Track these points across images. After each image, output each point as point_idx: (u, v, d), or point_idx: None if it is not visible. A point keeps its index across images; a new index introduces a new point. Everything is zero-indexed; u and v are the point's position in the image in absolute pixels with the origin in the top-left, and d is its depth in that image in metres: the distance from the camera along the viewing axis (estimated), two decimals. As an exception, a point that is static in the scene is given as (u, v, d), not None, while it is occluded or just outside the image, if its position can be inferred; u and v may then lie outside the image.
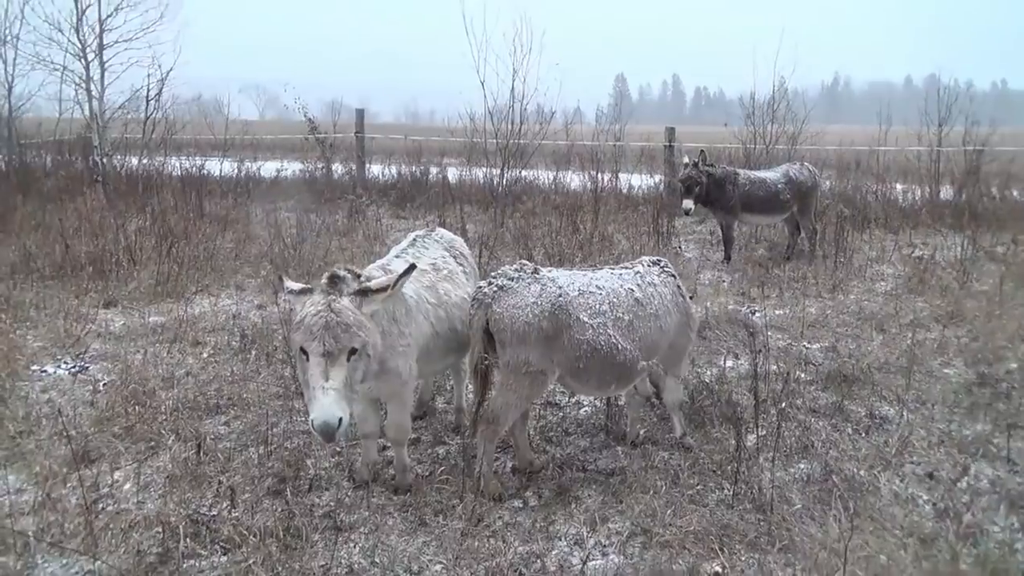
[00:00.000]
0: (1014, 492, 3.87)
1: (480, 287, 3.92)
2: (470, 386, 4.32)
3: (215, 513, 3.62)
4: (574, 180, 13.85)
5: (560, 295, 3.85)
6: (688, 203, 9.03)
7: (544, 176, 14.28)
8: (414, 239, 4.43)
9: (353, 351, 3.27)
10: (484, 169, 13.42)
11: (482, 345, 3.87)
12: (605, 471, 4.17)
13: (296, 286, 3.43)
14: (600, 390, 4.44)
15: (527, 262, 4.01)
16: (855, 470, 4.05)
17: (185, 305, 7.25)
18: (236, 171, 15.13)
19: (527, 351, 3.77)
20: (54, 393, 5.23)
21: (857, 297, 7.85)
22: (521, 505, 3.82)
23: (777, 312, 7.41)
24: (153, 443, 4.40)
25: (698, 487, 3.98)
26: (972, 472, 4.08)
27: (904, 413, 4.78)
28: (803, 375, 5.58)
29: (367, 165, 14.97)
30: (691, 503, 3.75)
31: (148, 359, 5.86)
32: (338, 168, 15.19)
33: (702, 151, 9.29)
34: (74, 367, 5.84)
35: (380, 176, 14.92)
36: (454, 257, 4.40)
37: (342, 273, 3.45)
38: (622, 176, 14.07)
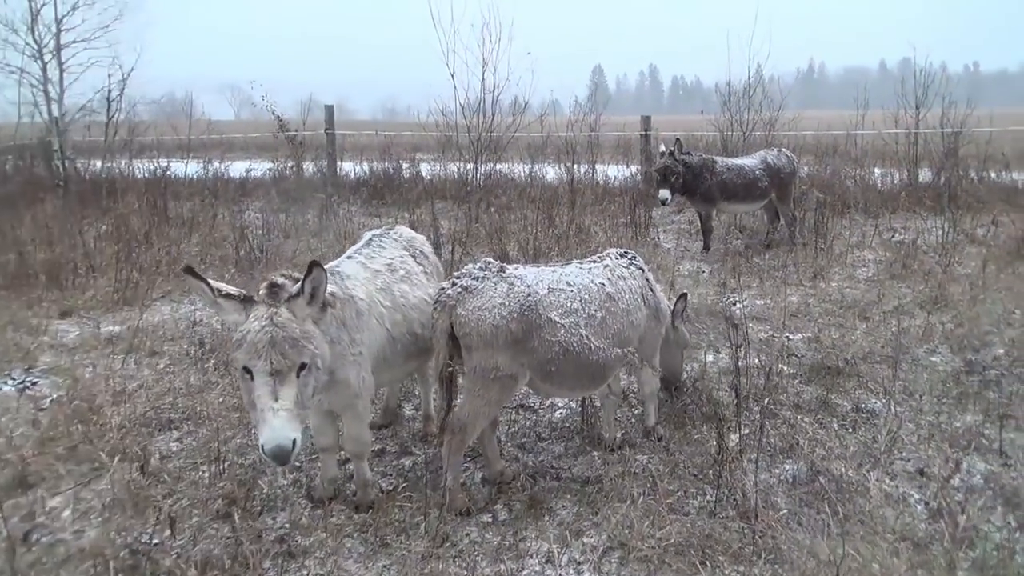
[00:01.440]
0: (1009, 488, 3.68)
1: (443, 288, 3.67)
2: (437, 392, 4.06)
3: (156, 542, 3.34)
4: (550, 172, 13.59)
5: (529, 294, 3.61)
6: (664, 193, 8.81)
7: (520, 169, 14.03)
8: (370, 238, 4.16)
9: (303, 366, 3.00)
10: (458, 164, 13.14)
11: (446, 350, 3.62)
12: (580, 479, 3.93)
13: (229, 290, 3.08)
14: (573, 391, 4.21)
15: (492, 260, 3.76)
16: (843, 469, 3.84)
17: (143, 313, 6.92)
18: (203, 172, 14.75)
19: (495, 355, 3.53)
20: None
21: (839, 284, 7.67)
22: (490, 520, 3.57)
23: (758, 302, 7.22)
24: (97, 464, 4.10)
25: (678, 493, 3.76)
26: (964, 467, 3.89)
27: (891, 406, 4.58)
28: (786, 368, 5.38)
29: (339, 163, 14.61)
30: (671, 512, 3.52)
31: (101, 372, 5.55)
32: (309, 166, 14.83)
33: (677, 139, 9.07)
34: (21, 383, 5.52)
35: (352, 173, 14.59)
36: (413, 256, 4.14)
37: (281, 281, 3.16)
38: (599, 167, 13.84)
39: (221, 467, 3.99)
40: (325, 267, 3.65)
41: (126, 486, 3.75)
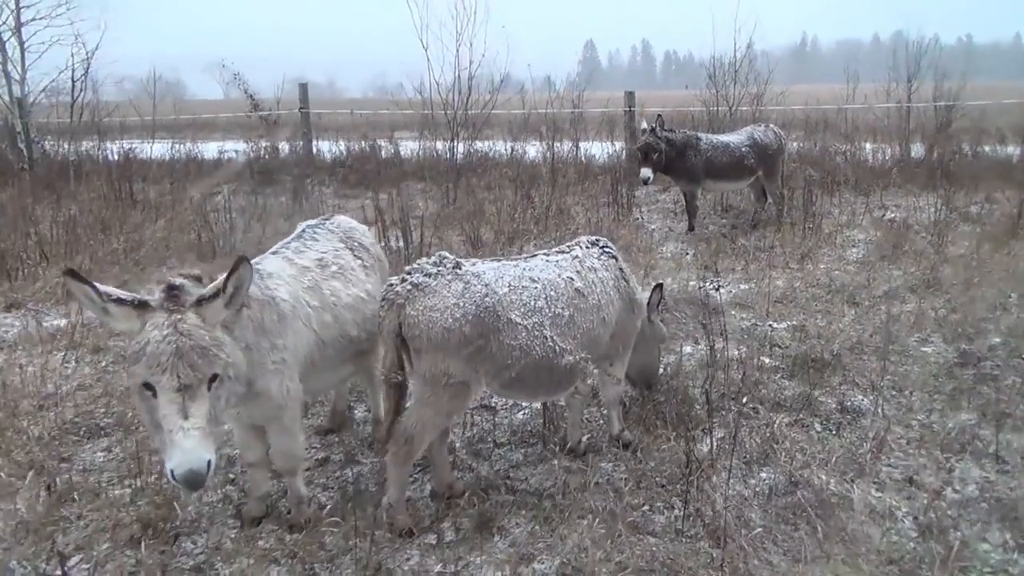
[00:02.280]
0: (1006, 499, 3.36)
1: (391, 284, 3.29)
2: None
3: (58, 574, 2.98)
4: (532, 151, 13.16)
5: (486, 295, 3.24)
6: (646, 171, 8.41)
7: (502, 147, 13.59)
8: (303, 230, 3.78)
9: (214, 377, 2.64)
10: (437, 143, 12.71)
11: (395, 352, 3.25)
12: (538, 491, 3.58)
13: (120, 295, 2.66)
14: (536, 398, 3.88)
15: (447, 254, 3.38)
16: (824, 479, 3.51)
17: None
18: (174, 153, 14.28)
19: (446, 360, 3.16)
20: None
21: (827, 267, 7.32)
22: (434, 541, 3.23)
23: (742, 287, 6.87)
24: (14, 478, 3.74)
25: (644, 508, 3.42)
26: (957, 475, 3.56)
27: (879, 404, 4.25)
28: (768, 360, 5.04)
29: (314, 143, 14.15)
30: (633, 532, 3.18)
31: (36, 371, 5.18)
32: (284, 147, 14.36)
33: (659, 116, 8.66)
34: (-49, 385, 5.14)
35: (328, 153, 14.12)
36: (350, 249, 3.76)
37: (179, 281, 2.76)
38: (583, 145, 13.42)
39: (145, 481, 3.64)
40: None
41: (34, 507, 3.39)
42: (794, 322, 5.79)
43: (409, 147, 13.72)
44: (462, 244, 8.12)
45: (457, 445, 4.04)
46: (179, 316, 2.63)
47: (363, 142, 13.84)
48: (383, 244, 7.58)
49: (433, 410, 3.21)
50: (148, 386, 2.56)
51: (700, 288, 6.37)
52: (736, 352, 5.12)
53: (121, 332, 2.68)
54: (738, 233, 8.77)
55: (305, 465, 3.56)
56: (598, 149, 12.94)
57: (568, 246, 3.80)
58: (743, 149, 8.71)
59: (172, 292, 2.67)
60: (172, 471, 2.49)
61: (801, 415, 4.21)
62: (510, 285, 3.34)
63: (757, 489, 3.52)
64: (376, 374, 3.92)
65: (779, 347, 5.29)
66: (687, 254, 8.07)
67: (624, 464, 3.80)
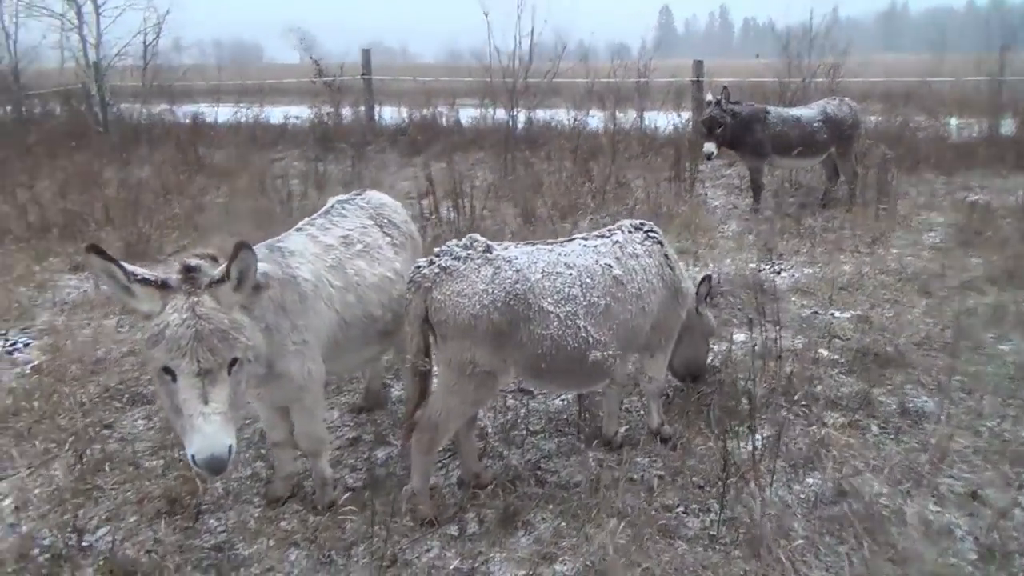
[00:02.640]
0: (1082, 523, 3.06)
1: (419, 266, 3.18)
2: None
3: (86, 544, 3.02)
4: (595, 121, 12.80)
5: (517, 280, 3.09)
6: (710, 146, 8.05)
7: (565, 117, 13.27)
8: (332, 205, 3.69)
9: (234, 361, 2.58)
10: (496, 111, 12.51)
11: (420, 338, 3.15)
12: (568, 485, 3.45)
13: (145, 274, 2.58)
14: (567, 389, 3.73)
15: (479, 237, 3.24)
16: (877, 489, 3.26)
17: (155, 268, 6.65)
18: (241, 119, 14.48)
19: (473, 348, 3.04)
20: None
21: (900, 252, 6.88)
22: (456, 533, 3.14)
23: (806, 271, 6.52)
24: (55, 445, 3.82)
25: (678, 509, 3.25)
26: (1028, 491, 3.27)
27: (945, 407, 3.94)
28: (826, 353, 4.74)
29: (376, 109, 14.11)
30: (664, 535, 3.02)
31: (90, 335, 5.31)
32: (347, 113, 14.36)
33: (724, 88, 8.24)
34: (12, 344, 5.32)
35: (390, 121, 14.07)
36: (379, 226, 3.64)
37: (196, 263, 2.67)
38: (648, 115, 13.00)
39: (178, 453, 3.66)
40: (267, 241, 3.23)
41: (69, 475, 3.44)
42: (858, 312, 5.45)
43: (470, 115, 13.54)
44: (515, 218, 7.96)
45: (489, 431, 3.93)
46: (196, 299, 2.56)
47: (425, 110, 13.72)
48: (434, 216, 7.50)
49: (458, 399, 3.10)
50: (167, 370, 2.50)
51: (759, 271, 6.10)
52: (792, 343, 4.86)
53: (142, 312, 2.63)
54: (806, 213, 8.33)
55: (331, 447, 3.51)
56: (664, 121, 12.51)
57: (609, 230, 3.60)
58: (815, 124, 8.24)
59: (189, 273, 2.60)
60: (193, 457, 2.44)
61: (857, 416, 3.94)
62: (543, 271, 3.18)
63: (802, 496, 3.30)
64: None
65: (840, 339, 4.98)
66: (749, 234, 7.72)
67: (661, 460, 3.62)
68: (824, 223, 7.84)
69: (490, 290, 3.05)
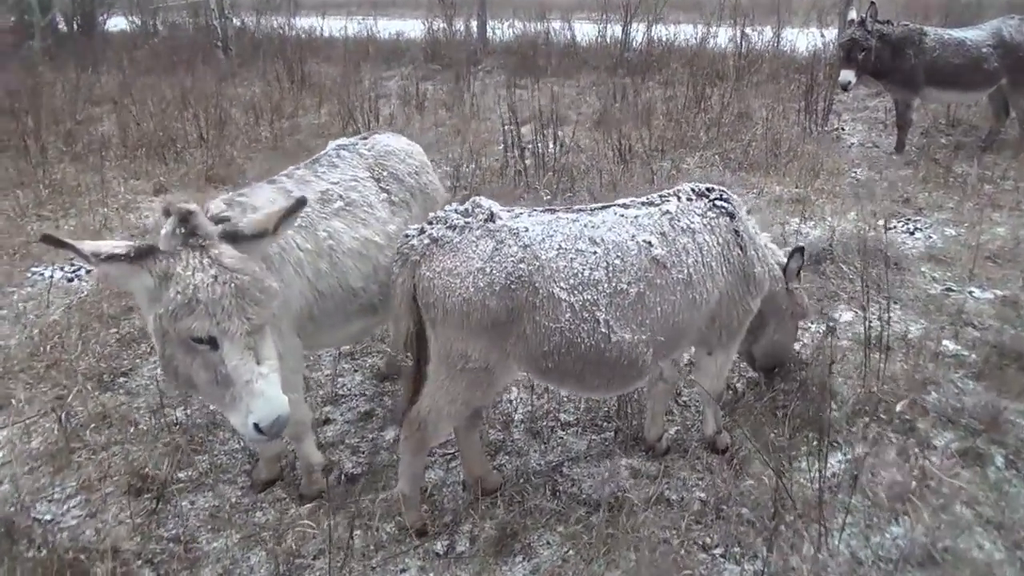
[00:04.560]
0: None
1: (406, 236, 2.64)
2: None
3: (48, 519, 2.80)
4: (724, 38, 11.43)
5: (522, 259, 2.49)
6: (847, 74, 6.81)
7: (691, 34, 11.96)
8: (327, 152, 3.17)
9: None
10: (614, 28, 11.45)
11: (409, 320, 2.63)
12: (588, 500, 2.89)
13: (113, 248, 2.15)
14: (584, 393, 3.12)
15: (482, 202, 2.64)
16: (990, 551, 2.49)
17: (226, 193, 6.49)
18: (356, 32, 14.11)
19: (465, 340, 2.50)
20: (30, 305, 4.66)
21: (1077, 214, 5.60)
22: (442, 551, 2.67)
23: (947, 232, 5.43)
24: (61, 393, 3.64)
25: (716, 550, 2.62)
26: None
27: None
28: (951, 346, 3.84)
29: (489, 24, 13.33)
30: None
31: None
32: (460, 28, 13.66)
33: (872, 3, 6.89)
34: (75, 270, 5.28)
35: (501, 37, 13.26)
36: (376, 180, 3.09)
37: (192, 207, 2.29)
38: (787, 33, 11.50)
39: (175, 417, 3.39)
40: (227, 195, 2.79)
41: (63, 432, 3.23)
42: (1005, 292, 4.42)
43: (586, 33, 12.50)
44: (609, 153, 7.16)
45: (516, 418, 3.41)
46: (216, 251, 2.20)
47: (538, 24, 12.81)
48: (535, 147, 6.79)
49: (447, 396, 2.58)
50: (200, 339, 2.15)
51: (885, 230, 5.09)
52: (908, 329, 3.97)
53: (133, 291, 2.27)
54: (960, 158, 6.99)
55: (340, 421, 3.11)
56: (804, 41, 10.99)
57: (662, 196, 2.87)
58: (984, 49, 6.79)
59: (188, 224, 2.21)
60: (256, 424, 2.16)
61: (978, 442, 3.09)
62: (559, 248, 2.55)
63: (880, 552, 2.58)
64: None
65: (974, 327, 4.03)
66: (883, 182, 6.56)
67: (709, 477, 2.97)
68: (982, 171, 6.53)
69: (488, 269, 2.46)
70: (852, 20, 7.06)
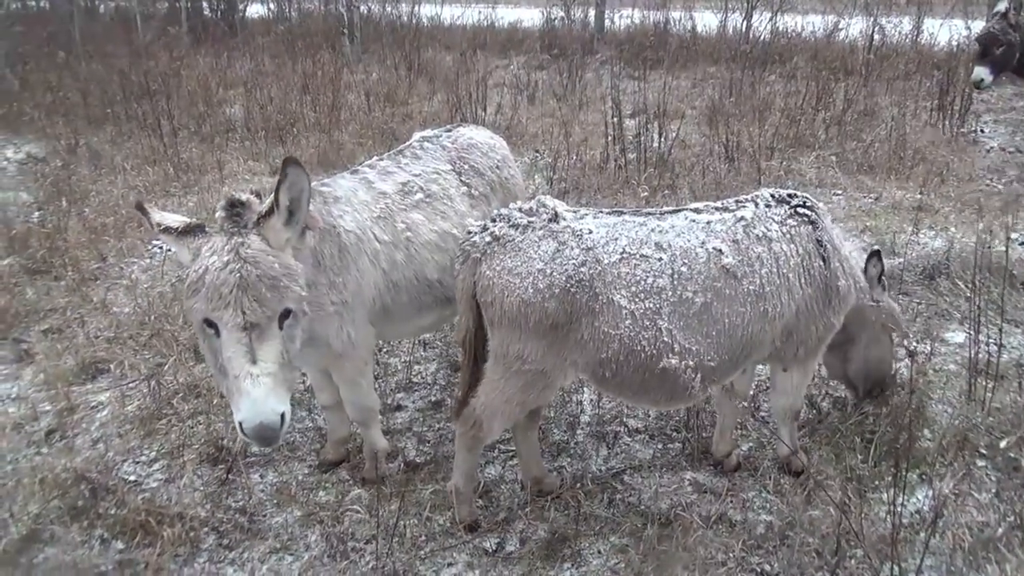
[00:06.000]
0: None
1: (469, 233, 2.63)
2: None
3: (133, 480, 3.00)
4: (856, 29, 10.75)
5: (584, 262, 2.43)
6: (981, 71, 6.22)
7: (819, 24, 11.33)
8: (411, 144, 3.19)
9: (286, 313, 2.27)
10: (737, 19, 11.02)
11: (470, 316, 2.63)
12: (646, 512, 2.80)
13: (172, 221, 2.33)
14: (645, 404, 3.02)
15: (548, 201, 2.59)
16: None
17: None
18: (476, 21, 14.27)
19: (523, 341, 2.47)
20: (145, 277, 5.00)
21: None
22: (492, 548, 2.67)
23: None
24: (160, 363, 3.88)
25: (772, 582, 2.48)
26: None
27: None
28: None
29: (608, 14, 13.14)
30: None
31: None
32: (580, 17, 13.52)
33: (1020, -7, 6.27)
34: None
35: (620, 27, 13.03)
36: (458, 173, 3.07)
37: (245, 197, 2.35)
38: (928, 24, 10.70)
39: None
40: (312, 183, 2.82)
41: (150, 401, 3.46)
42: None
43: (707, 23, 12.08)
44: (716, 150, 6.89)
45: (583, 420, 3.35)
46: (241, 240, 2.23)
47: (658, 13, 12.50)
48: (639, 141, 6.63)
49: (502, 396, 2.56)
50: (209, 323, 2.22)
51: (1007, 246, 4.64)
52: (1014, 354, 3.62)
53: (186, 264, 2.36)
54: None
55: (411, 409, 3.16)
56: (946, 33, 10.17)
57: (739, 201, 2.72)
58: None
59: (234, 210, 2.28)
60: (240, 424, 2.18)
61: (1091, 488, 2.77)
62: (623, 252, 2.46)
63: (958, 602, 2.37)
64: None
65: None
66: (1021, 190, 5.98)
67: (779, 500, 2.82)
68: None
69: (548, 271, 2.42)
70: (996, 12, 6.45)
